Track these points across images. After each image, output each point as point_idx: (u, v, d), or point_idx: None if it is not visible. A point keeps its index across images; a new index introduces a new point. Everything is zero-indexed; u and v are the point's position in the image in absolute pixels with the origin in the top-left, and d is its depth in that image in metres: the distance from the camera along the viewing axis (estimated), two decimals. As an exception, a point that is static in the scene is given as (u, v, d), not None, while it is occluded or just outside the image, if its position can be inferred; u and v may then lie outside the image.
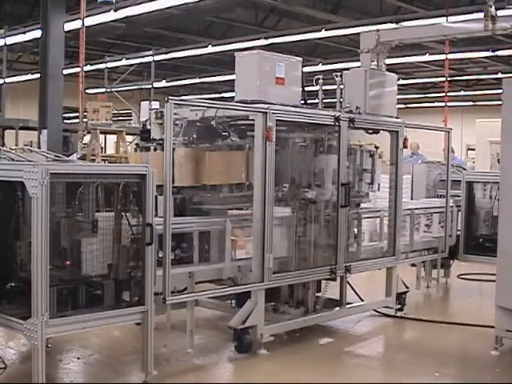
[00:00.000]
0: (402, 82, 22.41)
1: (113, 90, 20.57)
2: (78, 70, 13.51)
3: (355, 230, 7.25)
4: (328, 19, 16.21)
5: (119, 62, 20.96)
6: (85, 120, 14.64)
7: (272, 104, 5.97)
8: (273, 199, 5.95)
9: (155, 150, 6.75)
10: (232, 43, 17.90)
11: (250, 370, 5.76)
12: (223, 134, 6.45)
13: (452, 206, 8.54)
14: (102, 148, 18.43)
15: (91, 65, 20.28)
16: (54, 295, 4.55)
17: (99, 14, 14.46)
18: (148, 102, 8.44)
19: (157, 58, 19.55)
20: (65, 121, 14.99)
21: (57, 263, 4.67)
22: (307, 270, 6.46)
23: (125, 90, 21.91)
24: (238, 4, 16.11)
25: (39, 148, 10.88)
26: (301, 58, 6.56)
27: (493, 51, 18.86)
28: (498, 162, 7.66)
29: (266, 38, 17.26)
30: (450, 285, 9.43)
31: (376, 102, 7.08)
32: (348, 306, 7.19)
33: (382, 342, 7.16)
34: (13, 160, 4.99)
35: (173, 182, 5.40)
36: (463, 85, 27.57)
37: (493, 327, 6.25)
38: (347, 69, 7.28)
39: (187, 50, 19.90)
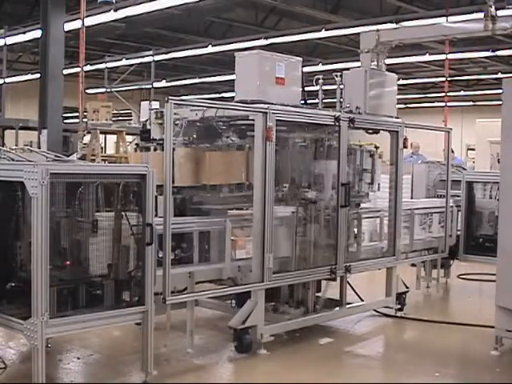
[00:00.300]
0: (402, 81, 22.41)
1: (113, 90, 20.57)
2: (78, 70, 13.51)
3: (355, 229, 7.25)
4: (328, 19, 16.21)
5: (119, 61, 20.96)
6: (85, 120, 14.65)
7: (272, 104, 5.97)
8: (273, 199, 5.95)
9: (155, 149, 6.75)
10: (232, 43, 17.91)
11: (250, 369, 5.76)
12: (223, 133, 6.46)
13: (452, 206, 8.55)
14: (101, 148, 18.44)
15: (91, 65, 20.29)
16: (54, 295, 4.55)
17: (99, 13, 14.46)
18: (148, 101, 8.44)
19: (157, 58, 19.56)
20: (65, 121, 14.99)
21: (57, 263, 4.68)
22: (307, 270, 6.46)
23: (125, 90, 21.92)
24: (238, 4, 16.12)
25: (39, 148, 10.88)
26: (301, 58, 6.56)
27: (493, 51, 18.87)
28: (498, 162, 7.66)
29: (266, 38, 17.26)
30: (450, 285, 9.43)
31: (376, 102, 7.08)
32: (348, 305, 7.19)
33: (381, 342, 7.16)
34: (13, 160, 4.99)
35: (173, 182, 5.40)
36: (463, 85, 27.57)
37: (493, 327, 6.25)
38: (347, 69, 7.28)
39: (187, 49, 19.90)
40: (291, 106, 6.22)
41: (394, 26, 13.57)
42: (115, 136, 16.52)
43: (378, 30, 7.51)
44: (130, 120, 19.99)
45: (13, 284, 4.86)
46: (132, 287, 5.00)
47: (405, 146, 7.40)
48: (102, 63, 20.92)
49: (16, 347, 5.93)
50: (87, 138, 15.13)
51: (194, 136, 6.59)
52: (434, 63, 21.32)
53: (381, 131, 7.27)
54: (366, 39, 7.49)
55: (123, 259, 4.95)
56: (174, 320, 6.21)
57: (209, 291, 6.01)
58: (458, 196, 8.70)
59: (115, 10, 14.08)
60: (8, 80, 18.89)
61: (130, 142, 17.17)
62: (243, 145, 6.48)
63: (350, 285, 7.32)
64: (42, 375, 4.47)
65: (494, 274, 6.38)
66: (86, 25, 13.04)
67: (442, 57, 17.12)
